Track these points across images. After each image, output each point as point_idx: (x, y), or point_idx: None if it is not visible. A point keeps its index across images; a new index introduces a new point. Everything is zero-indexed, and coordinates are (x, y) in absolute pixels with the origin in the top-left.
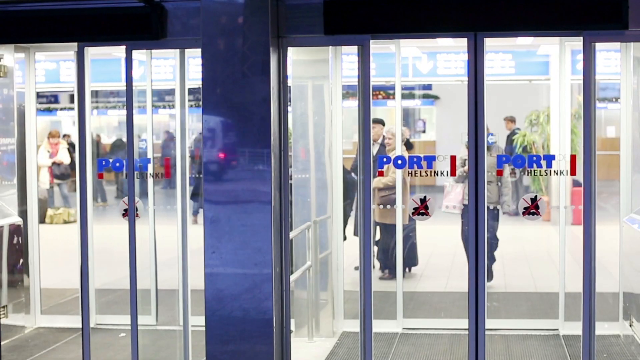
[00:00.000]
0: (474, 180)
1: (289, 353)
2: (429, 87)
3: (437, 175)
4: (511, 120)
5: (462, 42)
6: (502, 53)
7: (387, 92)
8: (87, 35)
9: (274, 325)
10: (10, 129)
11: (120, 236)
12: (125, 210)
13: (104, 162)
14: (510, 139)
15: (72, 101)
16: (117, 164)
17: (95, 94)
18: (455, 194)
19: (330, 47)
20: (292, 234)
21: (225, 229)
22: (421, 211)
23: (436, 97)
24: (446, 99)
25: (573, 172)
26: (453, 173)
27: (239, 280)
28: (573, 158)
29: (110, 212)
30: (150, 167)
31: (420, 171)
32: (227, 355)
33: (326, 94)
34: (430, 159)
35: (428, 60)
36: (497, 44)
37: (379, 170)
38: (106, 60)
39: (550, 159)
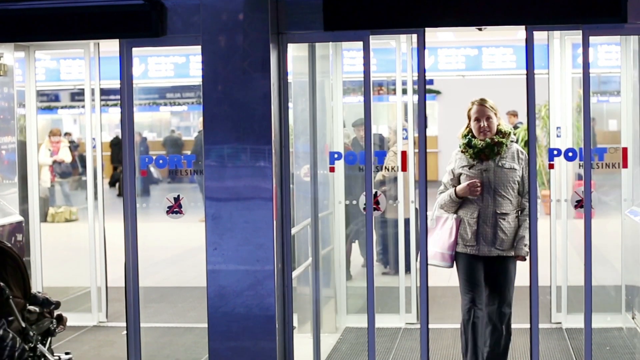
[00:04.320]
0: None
1: (291, 349)
2: (430, 82)
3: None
4: (513, 114)
5: (463, 37)
6: (503, 47)
7: (388, 87)
8: (87, 33)
9: (277, 321)
10: (10, 128)
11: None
12: (169, 207)
13: (147, 160)
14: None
15: (72, 99)
16: (161, 161)
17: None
18: (442, 233)
19: (331, 43)
20: (294, 230)
21: (227, 226)
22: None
23: (438, 92)
24: (448, 94)
25: (625, 164)
26: (404, 169)
27: (241, 276)
28: (625, 151)
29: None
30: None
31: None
32: (230, 352)
33: (327, 90)
34: (381, 155)
35: (429, 56)
36: (498, 38)
37: (330, 166)
38: (104, 58)
39: (602, 152)
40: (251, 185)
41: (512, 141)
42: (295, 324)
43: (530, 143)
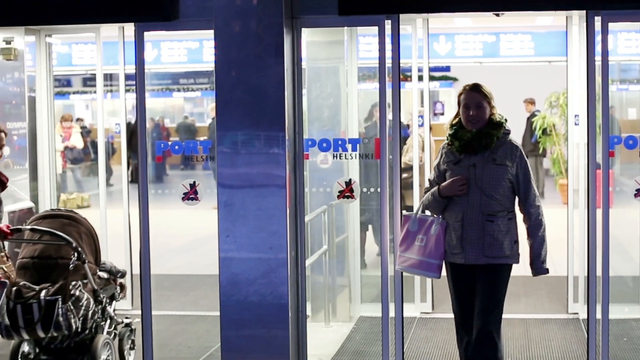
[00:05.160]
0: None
1: (305, 338)
2: (447, 69)
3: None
4: (531, 102)
5: (480, 24)
6: (521, 34)
7: (404, 74)
8: (98, 16)
9: (290, 310)
10: (21, 113)
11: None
12: (185, 193)
13: (162, 145)
14: (530, 121)
15: (85, 84)
16: (176, 147)
17: (108, 77)
18: (427, 239)
19: (346, 28)
20: (307, 218)
21: (239, 213)
22: (347, 194)
23: (455, 79)
24: (465, 81)
25: None
26: (377, 156)
27: (254, 264)
28: None
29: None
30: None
31: None
32: (242, 340)
33: (342, 76)
34: (356, 142)
35: (446, 42)
36: (516, 25)
37: (305, 153)
38: (118, 43)
39: None
40: (264, 172)
41: (506, 134)
42: (308, 312)
43: (589, 135)
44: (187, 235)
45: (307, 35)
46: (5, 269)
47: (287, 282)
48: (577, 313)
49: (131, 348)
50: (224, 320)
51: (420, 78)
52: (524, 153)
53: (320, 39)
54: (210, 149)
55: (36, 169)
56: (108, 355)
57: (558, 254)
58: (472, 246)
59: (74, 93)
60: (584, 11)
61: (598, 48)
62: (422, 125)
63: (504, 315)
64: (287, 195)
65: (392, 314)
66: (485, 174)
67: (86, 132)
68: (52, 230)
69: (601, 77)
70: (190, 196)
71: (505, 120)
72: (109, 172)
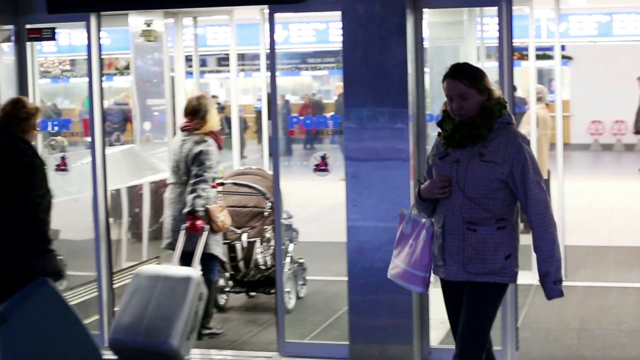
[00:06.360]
0: None
1: (427, 303)
2: (562, 48)
3: None
4: None
5: (594, 4)
6: (635, 14)
7: (521, 53)
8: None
9: None
10: (160, 91)
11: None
12: (316, 165)
13: (294, 120)
14: None
15: (219, 64)
16: (308, 122)
17: (241, 57)
18: (415, 245)
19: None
20: None
21: (365, 184)
22: (321, 168)
23: (569, 58)
24: (579, 60)
25: None
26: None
27: (379, 233)
28: None
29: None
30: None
31: None
32: (368, 304)
33: (462, 54)
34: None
35: (561, 22)
36: (630, 4)
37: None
38: (251, 24)
39: None
40: (389, 146)
41: (506, 122)
42: (432, 279)
43: None
44: (314, 205)
45: (429, 15)
46: (223, 217)
47: None
48: None
49: (303, 284)
50: (351, 285)
51: (540, 57)
52: (525, 147)
53: (442, 20)
54: (339, 123)
55: None
56: (290, 289)
57: None
58: (453, 259)
59: (209, 72)
60: None
61: None
62: (552, 102)
63: (616, 284)
64: (410, 168)
65: None
66: (469, 172)
67: (220, 109)
68: (252, 184)
69: None
70: (321, 168)
71: (503, 106)
72: (242, 145)
